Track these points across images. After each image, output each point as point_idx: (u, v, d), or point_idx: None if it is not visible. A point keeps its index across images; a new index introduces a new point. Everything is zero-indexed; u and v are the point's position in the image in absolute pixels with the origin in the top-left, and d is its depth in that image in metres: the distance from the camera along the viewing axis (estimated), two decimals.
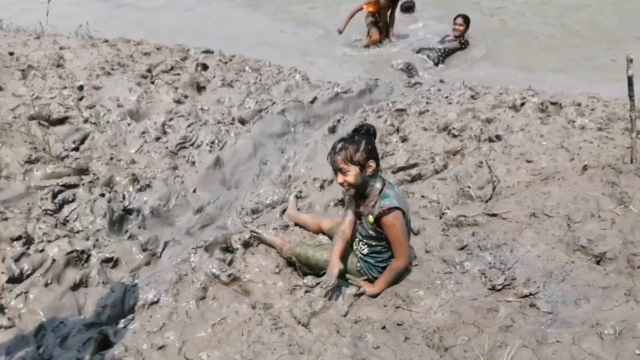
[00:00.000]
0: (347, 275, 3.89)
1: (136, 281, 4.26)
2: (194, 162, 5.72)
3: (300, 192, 5.14)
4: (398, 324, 3.54)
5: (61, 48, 7.60)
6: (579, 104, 6.23)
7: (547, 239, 3.99)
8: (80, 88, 6.58)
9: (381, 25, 10.60)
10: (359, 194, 3.88)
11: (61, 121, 5.96)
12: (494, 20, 11.64)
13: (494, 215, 4.37)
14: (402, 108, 6.75)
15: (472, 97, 6.98)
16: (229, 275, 4.06)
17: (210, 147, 5.95)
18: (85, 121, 6.01)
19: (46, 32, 8.63)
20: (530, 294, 3.50)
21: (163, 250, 4.79)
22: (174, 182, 5.40)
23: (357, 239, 3.93)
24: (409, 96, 7.57)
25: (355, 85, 7.71)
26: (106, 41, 8.30)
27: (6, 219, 4.54)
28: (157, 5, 13.46)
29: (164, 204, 5.17)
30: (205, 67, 7.86)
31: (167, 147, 5.81)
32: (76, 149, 5.60)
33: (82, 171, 5.22)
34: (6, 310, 3.95)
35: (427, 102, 6.91)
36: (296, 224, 4.69)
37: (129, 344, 3.58)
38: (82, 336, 3.74)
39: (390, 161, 5.54)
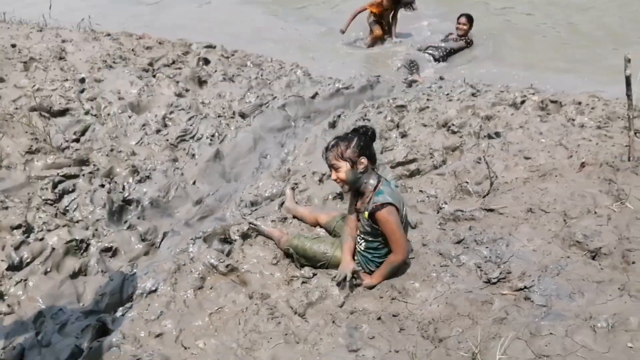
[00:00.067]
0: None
1: (135, 270, 4.30)
2: (194, 155, 5.75)
3: (297, 184, 5.17)
4: (393, 315, 3.57)
5: (63, 41, 7.64)
6: (579, 103, 6.25)
7: (543, 234, 4.02)
8: (82, 80, 6.61)
9: (384, 25, 10.63)
10: (355, 191, 3.92)
11: (62, 113, 5.99)
12: (498, 19, 11.62)
13: (491, 210, 4.40)
14: (403, 104, 6.78)
15: (473, 94, 7.01)
16: (227, 266, 4.09)
17: (211, 140, 5.99)
18: (86, 113, 6.04)
19: (49, 25, 8.67)
20: (525, 287, 3.53)
21: (162, 240, 4.82)
22: (173, 174, 5.44)
23: (356, 234, 3.97)
24: (409, 93, 7.59)
25: (356, 81, 7.73)
26: (108, 35, 8.34)
27: (7, 207, 4.58)
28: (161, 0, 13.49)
29: (164, 195, 5.20)
30: (206, 61, 7.88)
31: (167, 140, 5.84)
32: (77, 140, 5.64)
33: (83, 162, 5.25)
34: (6, 297, 3.99)
35: (427, 99, 6.93)
36: (294, 217, 4.72)
37: (127, 332, 3.61)
38: (81, 323, 3.78)
39: (389, 156, 5.57)
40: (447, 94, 7.07)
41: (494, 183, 4.72)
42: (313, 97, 7.11)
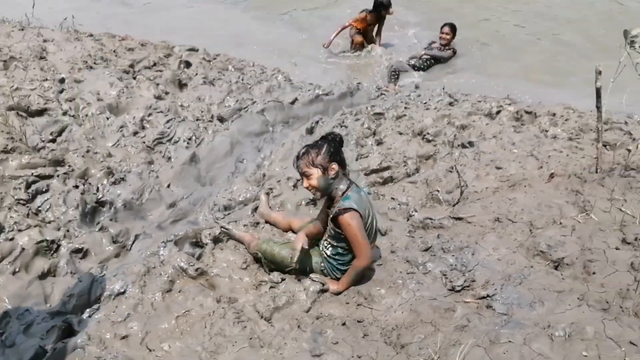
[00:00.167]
0: (312, 275, 3.97)
1: (104, 272, 4.31)
2: (170, 158, 5.77)
3: (271, 189, 5.20)
4: (358, 321, 3.61)
5: (45, 40, 7.63)
6: (554, 114, 6.35)
7: (509, 244, 4.09)
8: (62, 81, 6.61)
9: (367, 38, 10.71)
10: (327, 197, 3.97)
11: (40, 113, 5.98)
12: (484, 29, 11.70)
13: (460, 219, 4.46)
14: (380, 112, 6.83)
15: (450, 103, 7.08)
16: (197, 270, 4.11)
17: (187, 143, 6.01)
18: (64, 113, 6.04)
19: (31, 24, 8.65)
20: (488, 295, 3.59)
21: (133, 243, 4.83)
22: (148, 176, 5.45)
23: (324, 239, 4.02)
24: (388, 100, 7.66)
25: (336, 88, 7.78)
26: (91, 35, 8.33)
27: None
28: (147, 2, 13.48)
29: (137, 198, 5.22)
30: (188, 64, 7.90)
31: (144, 142, 5.86)
32: (53, 141, 5.63)
33: (58, 162, 5.25)
34: None
35: (405, 107, 6.99)
36: (267, 222, 4.75)
37: (93, 333, 3.62)
38: (47, 324, 3.78)
39: (363, 163, 5.62)
40: (425, 103, 7.15)
41: (464, 192, 4.79)
42: (292, 102, 7.14)
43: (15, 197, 4.74)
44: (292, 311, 3.77)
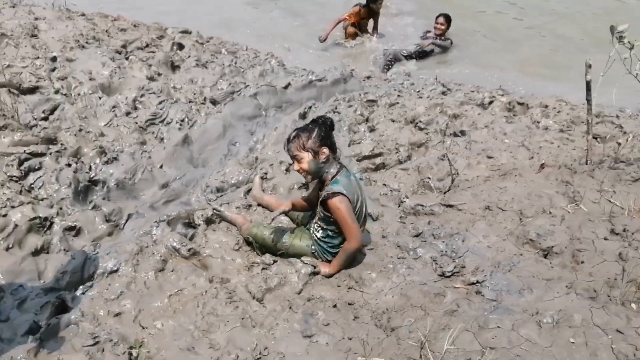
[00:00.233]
0: (303, 258, 4.01)
1: (97, 250, 4.31)
2: (162, 139, 5.77)
3: (266, 173, 5.22)
4: (349, 304, 3.66)
5: (36, 18, 7.58)
6: (546, 106, 6.41)
7: (499, 231, 4.14)
8: (53, 59, 6.57)
9: (361, 30, 10.71)
10: (318, 180, 4.01)
11: (32, 90, 5.96)
12: (481, 21, 11.73)
13: (450, 206, 4.52)
14: (374, 99, 6.86)
15: (443, 93, 7.13)
16: (189, 250, 4.14)
17: (180, 125, 6.00)
18: (56, 92, 6.02)
19: (22, 1, 8.58)
20: (477, 281, 3.65)
21: (126, 222, 4.84)
22: (141, 156, 5.45)
23: (314, 221, 4.06)
24: (381, 88, 7.69)
25: (330, 74, 7.79)
26: (83, 15, 8.28)
27: None
28: None
29: (130, 178, 5.22)
30: (181, 46, 7.87)
31: (136, 122, 5.85)
32: (45, 119, 5.61)
33: (50, 141, 5.23)
34: None
35: (398, 95, 7.03)
36: (260, 205, 4.78)
37: (86, 310, 3.64)
38: (40, 300, 3.79)
39: (356, 149, 5.66)
40: (418, 91, 7.19)
41: (455, 180, 4.84)
42: (285, 87, 7.15)
43: (8, 174, 4.72)
44: (283, 292, 3.81)
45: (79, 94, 6.08)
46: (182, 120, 6.07)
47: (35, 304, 3.76)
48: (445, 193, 4.76)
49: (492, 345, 3.09)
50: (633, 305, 3.28)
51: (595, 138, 5.36)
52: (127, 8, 10.19)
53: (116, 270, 4.01)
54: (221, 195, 5.05)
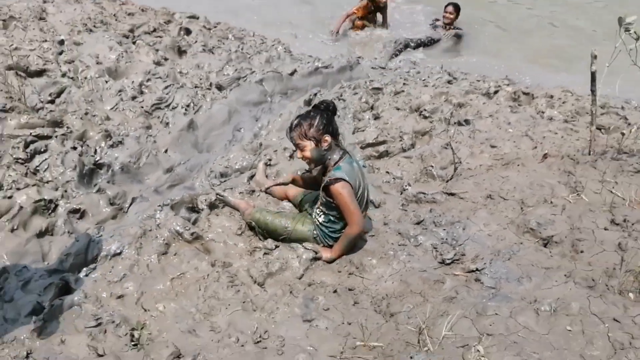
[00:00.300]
0: (304, 243, 4.04)
1: (101, 233, 4.36)
2: (167, 123, 5.80)
3: (270, 160, 5.25)
4: (349, 289, 3.70)
5: (45, 1, 7.62)
6: (551, 96, 6.40)
7: (500, 220, 4.16)
8: (61, 42, 6.61)
9: (368, 23, 10.66)
10: (322, 166, 4.03)
11: (39, 73, 6.00)
12: (494, 11, 11.64)
13: (452, 194, 4.54)
14: (379, 87, 6.87)
15: (449, 81, 7.13)
16: (192, 234, 4.17)
17: (185, 110, 6.03)
18: (63, 75, 6.05)
19: None
20: (477, 269, 3.67)
21: (130, 205, 4.88)
22: (146, 141, 5.49)
23: (316, 206, 4.09)
24: (387, 76, 7.69)
25: (336, 61, 7.80)
26: None
27: None
28: None
29: (135, 161, 5.26)
30: (188, 31, 7.89)
31: (142, 107, 5.88)
32: (52, 102, 5.65)
33: (56, 123, 5.27)
34: None
35: (404, 83, 7.03)
36: (262, 191, 4.81)
37: (89, 291, 3.69)
38: (44, 281, 3.84)
39: (360, 137, 5.67)
40: (424, 80, 7.19)
41: (458, 168, 4.86)
42: (291, 74, 7.17)
43: (14, 156, 4.77)
44: (284, 277, 3.84)
45: (85, 78, 6.11)
46: (188, 105, 6.10)
47: (39, 285, 3.81)
48: (447, 181, 4.78)
49: (489, 332, 3.11)
50: (630, 294, 3.30)
51: (600, 129, 5.36)
52: None
53: (119, 253, 4.05)
54: (225, 181, 5.09)
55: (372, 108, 6.40)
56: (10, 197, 4.40)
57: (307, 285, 3.76)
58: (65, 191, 4.68)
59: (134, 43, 7.10)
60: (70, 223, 4.47)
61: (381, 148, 5.50)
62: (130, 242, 4.11)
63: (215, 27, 8.50)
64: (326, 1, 11.31)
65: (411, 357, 3.01)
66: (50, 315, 3.52)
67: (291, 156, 5.33)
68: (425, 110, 6.06)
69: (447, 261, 3.81)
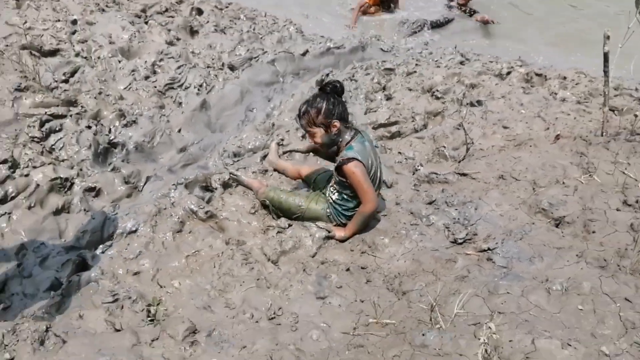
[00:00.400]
0: (318, 222, 4.08)
1: (116, 211, 4.41)
2: (180, 103, 5.82)
3: (282, 139, 5.28)
4: (362, 268, 3.74)
5: None
6: (564, 78, 6.39)
7: (512, 200, 4.19)
8: (74, 22, 6.63)
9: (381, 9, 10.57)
10: (335, 147, 4.07)
11: (53, 53, 6.02)
12: None
13: (464, 174, 4.56)
14: (391, 67, 6.87)
15: (461, 62, 7.11)
16: (206, 212, 4.22)
17: (198, 89, 6.05)
18: (77, 55, 6.08)
19: None
20: (489, 248, 3.70)
21: (145, 184, 4.92)
22: (159, 120, 5.52)
23: (330, 184, 4.12)
24: (399, 57, 7.68)
25: (348, 41, 7.79)
26: None
27: None
28: None
29: (149, 141, 5.30)
30: (200, 11, 7.89)
31: (155, 87, 5.90)
32: (66, 81, 5.68)
33: (71, 103, 5.30)
34: None
35: (416, 64, 7.02)
36: (275, 170, 4.84)
37: (106, 268, 3.76)
38: (61, 258, 3.91)
39: (372, 117, 5.70)
40: (436, 60, 7.17)
41: (470, 149, 4.87)
42: (303, 54, 7.16)
43: (30, 135, 4.81)
44: (298, 255, 3.89)
45: (98, 57, 6.14)
46: (201, 85, 6.12)
47: (57, 262, 3.88)
48: (459, 162, 4.80)
49: (501, 310, 3.15)
50: None
51: (613, 110, 5.36)
52: None
53: (135, 231, 4.11)
54: (238, 160, 5.12)
55: (384, 89, 6.40)
56: (27, 175, 4.45)
57: (320, 264, 3.81)
58: (81, 170, 4.73)
59: (146, 23, 7.11)
60: (86, 201, 4.52)
61: (393, 129, 5.52)
62: (146, 220, 4.16)
63: (226, 7, 8.49)
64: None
65: (423, 335, 3.05)
66: (68, 291, 3.59)
67: (303, 136, 5.35)
68: (437, 91, 6.06)
69: (459, 241, 3.85)
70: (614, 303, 3.11)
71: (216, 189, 4.60)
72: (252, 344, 3.17)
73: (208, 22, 7.58)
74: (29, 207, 4.25)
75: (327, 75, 6.66)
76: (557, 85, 6.22)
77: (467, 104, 5.82)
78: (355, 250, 3.92)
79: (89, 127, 5.11)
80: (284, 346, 3.16)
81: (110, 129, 5.26)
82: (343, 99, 4.02)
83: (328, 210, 4.12)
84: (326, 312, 3.42)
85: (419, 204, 4.26)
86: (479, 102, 5.82)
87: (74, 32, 6.45)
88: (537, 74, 6.50)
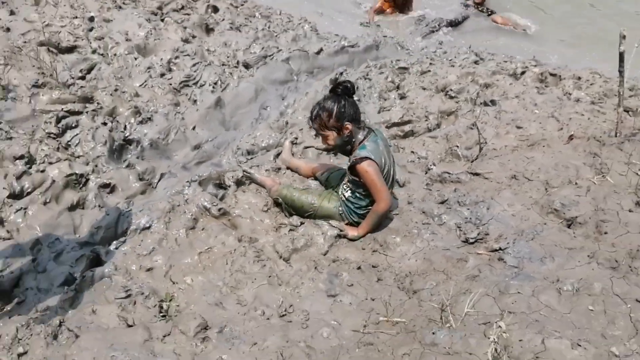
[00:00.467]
0: (330, 221, 4.10)
1: (131, 207, 4.45)
2: (195, 101, 5.86)
3: (296, 138, 5.30)
4: (373, 266, 3.77)
5: None
6: (579, 78, 6.36)
7: (524, 200, 4.19)
8: (91, 19, 6.68)
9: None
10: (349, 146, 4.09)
11: (70, 50, 6.07)
12: None
13: (477, 174, 4.57)
14: (405, 66, 6.86)
15: (475, 62, 7.09)
16: (219, 210, 4.26)
17: (213, 87, 6.09)
18: (93, 52, 6.13)
19: None
20: (500, 248, 3.72)
21: (159, 181, 4.96)
22: (174, 117, 5.56)
23: (343, 182, 4.14)
24: (413, 56, 7.67)
25: (362, 40, 7.79)
26: None
27: (11, 138, 4.71)
28: None
29: (164, 138, 5.34)
30: (215, 9, 7.91)
31: (170, 84, 5.94)
32: (82, 78, 5.73)
33: (87, 99, 5.36)
34: (5, 224, 4.14)
35: (430, 63, 7.01)
36: (288, 168, 4.87)
37: (119, 264, 3.80)
38: (76, 253, 3.96)
39: (385, 116, 5.70)
40: (450, 60, 7.16)
41: (483, 149, 4.87)
42: (318, 52, 7.17)
43: (46, 131, 4.87)
44: (309, 253, 3.92)
45: (115, 55, 6.18)
46: (215, 83, 6.15)
47: (71, 257, 3.93)
48: (472, 161, 4.80)
49: (511, 310, 3.16)
50: None
51: (627, 111, 5.33)
52: None
53: (148, 227, 4.15)
54: (251, 158, 5.15)
55: (398, 87, 6.41)
56: (43, 171, 4.51)
57: (331, 262, 3.84)
58: (96, 166, 4.78)
59: (162, 20, 7.14)
60: (101, 197, 4.57)
61: (406, 127, 5.53)
62: (159, 216, 4.20)
63: (242, 5, 8.49)
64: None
65: (433, 333, 3.07)
66: (82, 286, 3.64)
67: (317, 135, 5.37)
68: (451, 90, 6.06)
69: (471, 240, 3.86)
70: (625, 304, 3.12)
71: (229, 186, 4.63)
72: (263, 340, 3.21)
73: (223, 19, 7.60)
74: (45, 203, 4.30)
75: (341, 74, 6.66)
76: (572, 85, 6.19)
77: (481, 103, 5.81)
78: (367, 248, 3.94)
79: (104, 123, 5.16)
80: (294, 343, 3.19)
81: (125, 126, 5.30)
82: (356, 98, 4.03)
83: (340, 209, 4.14)
84: (337, 310, 3.44)
85: (431, 203, 4.27)
86: (493, 102, 5.82)
87: (91, 29, 6.50)
88: (551, 74, 6.48)
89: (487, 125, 5.34)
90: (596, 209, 3.95)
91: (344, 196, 4.12)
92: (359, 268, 3.74)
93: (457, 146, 5.00)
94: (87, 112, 5.20)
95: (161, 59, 6.26)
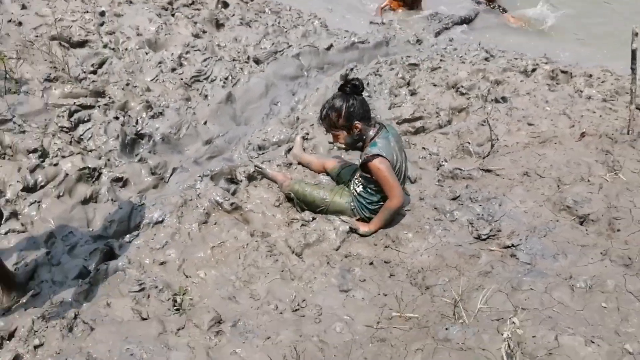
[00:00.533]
0: (342, 217, 4.11)
1: (143, 201, 4.46)
2: (206, 96, 5.88)
3: (307, 133, 5.31)
4: (385, 262, 3.78)
5: None
6: (590, 75, 6.34)
7: (536, 197, 4.19)
8: (102, 14, 6.70)
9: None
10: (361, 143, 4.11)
11: (81, 44, 6.11)
12: None
13: (489, 170, 4.57)
14: (415, 63, 6.85)
15: (486, 59, 7.08)
16: (232, 204, 4.27)
17: (224, 82, 6.10)
18: (105, 46, 6.16)
19: None
20: (513, 245, 3.73)
21: (171, 175, 4.98)
22: (186, 112, 5.57)
23: (355, 177, 4.16)
24: (423, 52, 7.66)
25: (372, 36, 7.79)
26: None
27: (24, 132, 4.73)
28: None
29: (175, 132, 5.36)
30: (225, 4, 7.92)
31: (181, 79, 5.96)
32: (94, 72, 5.76)
33: (99, 94, 5.38)
34: (19, 217, 4.18)
35: (440, 60, 7.00)
36: (299, 164, 4.88)
37: (133, 257, 3.82)
38: (89, 246, 3.99)
39: (396, 112, 5.70)
40: (461, 56, 7.14)
41: (495, 145, 4.88)
42: (328, 48, 7.17)
43: (59, 125, 4.90)
44: (322, 248, 3.93)
45: (126, 49, 6.21)
46: (226, 78, 6.16)
47: (85, 250, 3.96)
48: (484, 158, 4.80)
49: (524, 306, 3.17)
50: None
51: (638, 108, 5.31)
52: None
53: (161, 221, 4.17)
54: (263, 153, 5.16)
55: (408, 84, 6.40)
56: (56, 165, 4.54)
57: (343, 257, 3.85)
58: (108, 160, 4.80)
59: (172, 15, 7.16)
60: (114, 191, 4.59)
61: (417, 124, 5.53)
62: (172, 210, 4.22)
63: (252, 0, 8.52)
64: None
65: (446, 329, 3.08)
66: (96, 279, 3.67)
67: (327, 132, 5.38)
68: (462, 86, 6.05)
69: (483, 236, 3.87)
70: (638, 301, 3.13)
71: (241, 181, 4.64)
72: (276, 334, 3.23)
73: (234, 15, 7.62)
74: (58, 196, 4.33)
75: (352, 70, 6.67)
76: (583, 82, 6.18)
77: (492, 100, 5.80)
78: (379, 244, 3.95)
79: (116, 118, 5.18)
80: (307, 338, 3.20)
81: (137, 120, 5.32)
82: (366, 94, 4.04)
83: (352, 204, 4.15)
84: (349, 305, 3.46)
85: (442, 200, 4.28)
86: (504, 99, 5.81)
87: (102, 24, 6.52)
88: (562, 71, 6.46)
89: (498, 122, 5.33)
90: (609, 206, 3.96)
91: (356, 191, 4.13)
92: (371, 263, 3.76)
93: (469, 142, 5.00)
94: (99, 106, 5.22)
95: (172, 53, 6.28)
